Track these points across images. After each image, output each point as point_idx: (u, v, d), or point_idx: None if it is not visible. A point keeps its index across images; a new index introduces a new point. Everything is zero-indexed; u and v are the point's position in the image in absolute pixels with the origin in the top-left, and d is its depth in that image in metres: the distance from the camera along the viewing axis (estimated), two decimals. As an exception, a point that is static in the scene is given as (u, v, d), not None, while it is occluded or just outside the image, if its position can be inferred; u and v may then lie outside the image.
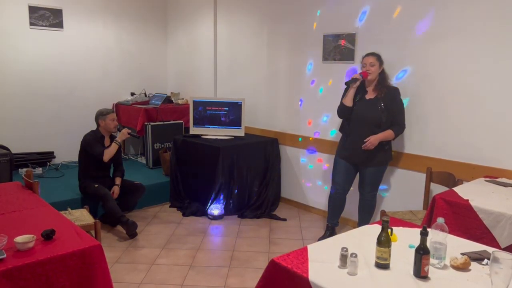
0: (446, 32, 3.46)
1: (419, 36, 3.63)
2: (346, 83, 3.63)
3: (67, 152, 5.46)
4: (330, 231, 3.93)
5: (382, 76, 3.57)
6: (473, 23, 3.30)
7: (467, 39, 3.35)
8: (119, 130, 4.31)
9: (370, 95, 3.59)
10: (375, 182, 3.71)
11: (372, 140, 3.47)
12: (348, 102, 3.61)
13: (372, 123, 3.51)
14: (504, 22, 3.14)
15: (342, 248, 1.82)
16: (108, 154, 4.08)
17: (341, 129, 3.81)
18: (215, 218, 4.49)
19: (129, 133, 4.22)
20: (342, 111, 3.68)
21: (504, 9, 3.13)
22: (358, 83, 3.56)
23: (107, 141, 4.23)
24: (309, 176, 4.73)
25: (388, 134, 3.51)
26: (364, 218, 3.79)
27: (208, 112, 4.94)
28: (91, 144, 4.10)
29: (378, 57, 3.56)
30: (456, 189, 2.93)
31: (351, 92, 3.59)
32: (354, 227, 3.58)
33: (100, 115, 4.17)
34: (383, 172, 3.71)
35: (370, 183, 3.69)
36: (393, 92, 3.56)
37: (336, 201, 3.86)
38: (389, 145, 3.63)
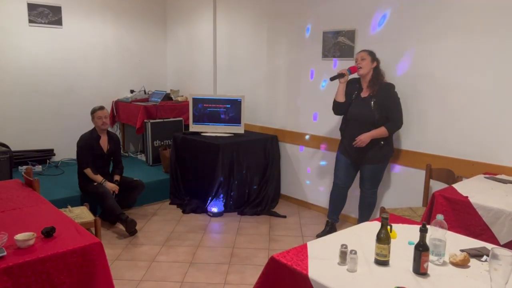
0: (446, 29, 3.46)
1: (419, 34, 3.63)
2: (331, 79, 3.64)
3: (67, 149, 5.44)
4: (330, 227, 3.93)
5: (377, 73, 3.56)
6: (474, 20, 3.30)
7: (467, 36, 3.34)
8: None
9: (364, 93, 3.60)
10: (374, 179, 3.70)
11: (362, 138, 3.49)
12: (339, 97, 3.64)
13: (365, 121, 3.52)
14: (504, 19, 3.14)
15: (342, 245, 1.83)
16: (89, 175, 4.10)
17: (340, 127, 3.84)
18: (215, 215, 4.50)
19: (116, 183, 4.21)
20: (336, 107, 3.72)
21: (505, 7, 3.13)
22: (346, 78, 3.58)
23: (103, 140, 4.23)
24: (308, 173, 4.74)
25: (380, 131, 3.49)
26: (364, 215, 3.80)
27: (207, 109, 4.94)
28: (81, 150, 4.13)
29: (370, 52, 3.56)
30: (455, 185, 2.93)
31: (341, 87, 3.63)
32: (354, 224, 3.59)
33: (91, 114, 4.20)
34: (382, 169, 3.69)
35: (368, 180, 3.70)
36: (387, 88, 3.53)
37: (338, 195, 3.87)
38: (385, 141, 3.57)
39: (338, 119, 3.97)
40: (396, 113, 3.53)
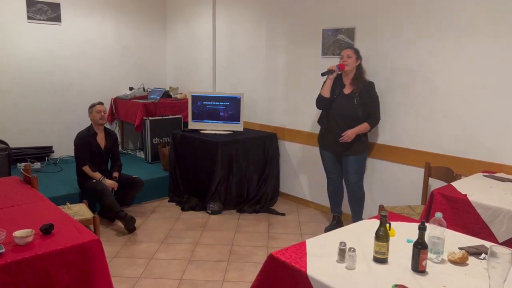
0: (444, 28, 3.45)
1: (419, 31, 3.62)
2: (322, 74, 3.73)
3: (66, 146, 5.45)
4: (336, 220, 4.05)
5: (359, 71, 3.70)
6: (469, 18, 3.29)
7: (464, 34, 3.34)
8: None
9: (347, 89, 3.71)
10: (359, 170, 3.82)
11: (349, 134, 3.63)
12: (325, 93, 3.75)
13: (349, 117, 3.67)
14: (498, 15, 3.13)
15: (341, 243, 1.83)
16: (87, 173, 4.10)
17: (319, 121, 3.95)
18: (214, 212, 4.50)
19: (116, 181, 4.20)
20: (320, 102, 3.82)
21: (499, 4, 3.13)
22: (335, 74, 3.69)
23: (100, 137, 4.23)
24: (307, 171, 4.74)
25: (364, 127, 3.65)
26: (356, 210, 3.89)
27: (207, 107, 4.94)
28: (78, 148, 4.13)
29: (355, 50, 3.70)
30: (454, 184, 2.94)
31: (328, 83, 3.73)
32: (348, 220, 3.61)
33: (89, 109, 4.21)
34: (364, 160, 3.85)
35: (354, 171, 3.79)
36: (369, 86, 3.68)
37: (334, 188, 3.99)
38: (365, 137, 3.77)
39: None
40: (376, 110, 3.70)
